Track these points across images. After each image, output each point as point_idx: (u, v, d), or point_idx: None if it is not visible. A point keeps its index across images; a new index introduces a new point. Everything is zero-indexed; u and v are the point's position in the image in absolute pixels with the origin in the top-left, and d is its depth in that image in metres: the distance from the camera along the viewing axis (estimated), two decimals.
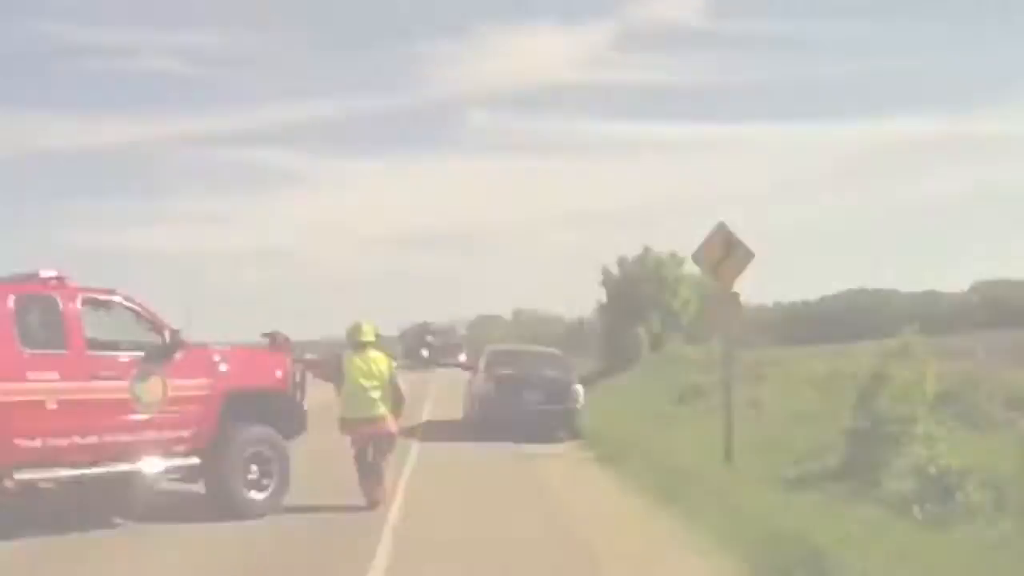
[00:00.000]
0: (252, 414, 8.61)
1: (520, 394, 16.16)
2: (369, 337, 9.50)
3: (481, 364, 18.70)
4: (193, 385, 7.93)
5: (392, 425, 9.27)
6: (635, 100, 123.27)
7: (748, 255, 12.00)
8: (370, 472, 9.02)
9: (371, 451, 9.11)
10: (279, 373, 8.96)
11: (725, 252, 11.91)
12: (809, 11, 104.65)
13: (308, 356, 13.21)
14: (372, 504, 8.82)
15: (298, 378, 9.30)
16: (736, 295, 12.30)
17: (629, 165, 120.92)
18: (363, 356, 9.27)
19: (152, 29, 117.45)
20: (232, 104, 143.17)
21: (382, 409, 9.13)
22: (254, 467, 8.31)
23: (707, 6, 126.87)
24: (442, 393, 26.46)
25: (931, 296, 68.94)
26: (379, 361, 9.36)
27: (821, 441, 12.56)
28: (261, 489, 8.34)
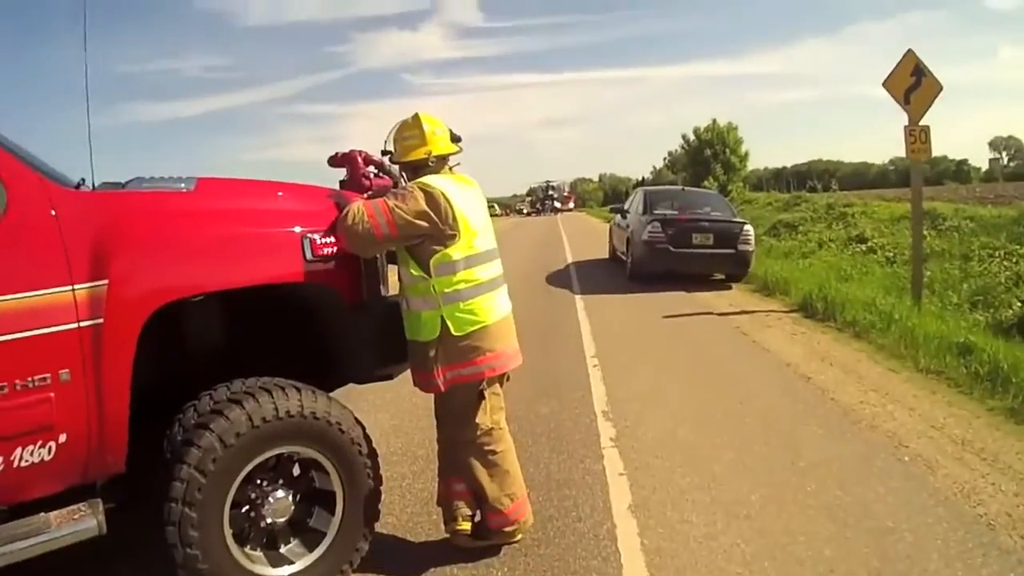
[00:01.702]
0: (248, 354, 4.04)
1: (690, 237, 14.86)
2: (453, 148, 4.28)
3: (635, 206, 17.49)
4: (41, 304, 2.90)
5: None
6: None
7: (936, 85, 11.17)
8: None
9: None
10: (322, 243, 3.69)
11: (916, 80, 11.16)
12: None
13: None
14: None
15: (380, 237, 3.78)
16: (927, 128, 11.16)
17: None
18: (463, 183, 4.18)
19: None
20: None
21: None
22: (272, 498, 3.58)
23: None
24: (570, 231, 35.47)
25: (864, 165, 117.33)
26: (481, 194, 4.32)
27: (984, 283, 12.56)
28: (287, 556, 3.65)
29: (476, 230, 4.01)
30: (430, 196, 3.82)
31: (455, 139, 4.28)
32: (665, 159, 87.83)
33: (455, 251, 3.89)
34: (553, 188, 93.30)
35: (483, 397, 4.07)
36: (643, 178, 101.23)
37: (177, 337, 3.78)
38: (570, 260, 21.25)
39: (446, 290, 3.89)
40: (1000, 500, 4.82)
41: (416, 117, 4.15)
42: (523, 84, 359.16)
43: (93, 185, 3.41)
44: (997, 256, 13.86)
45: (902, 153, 11.38)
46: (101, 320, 2.99)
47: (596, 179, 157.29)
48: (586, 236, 32.89)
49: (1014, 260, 13.41)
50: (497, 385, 4.20)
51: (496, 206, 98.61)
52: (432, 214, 3.80)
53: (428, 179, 3.96)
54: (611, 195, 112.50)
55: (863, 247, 18.37)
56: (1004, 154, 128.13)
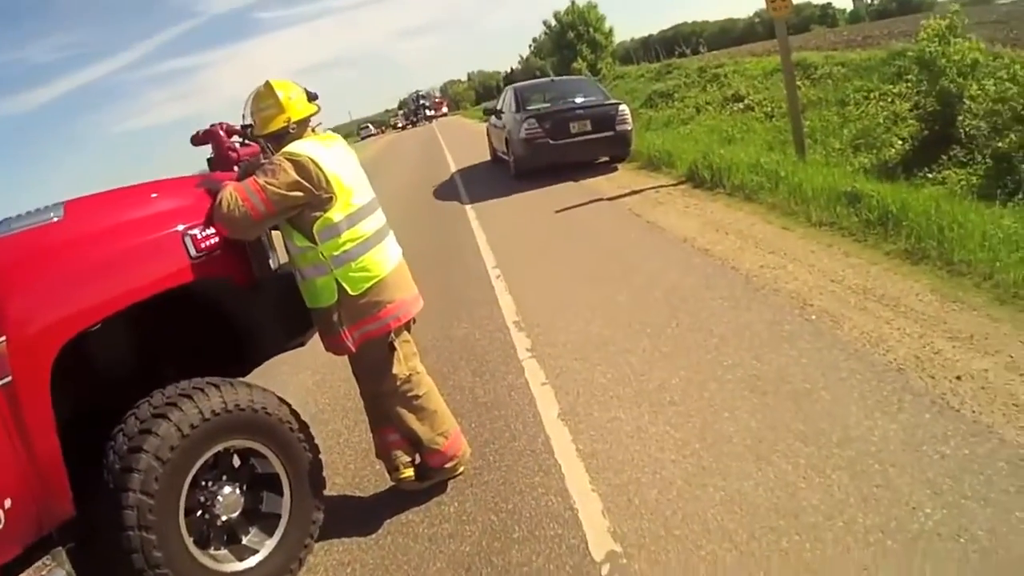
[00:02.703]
0: (163, 358, 4.03)
1: (567, 127, 14.73)
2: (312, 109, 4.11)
3: (508, 104, 17.33)
4: None
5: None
6: None
7: None
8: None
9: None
10: (203, 236, 3.59)
11: None
12: None
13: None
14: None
15: (260, 213, 3.65)
16: None
17: None
18: (327, 141, 4.08)
19: None
20: None
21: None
22: (220, 495, 3.57)
23: None
24: (448, 137, 36.97)
25: (730, 22, 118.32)
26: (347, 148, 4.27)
27: (863, 126, 12.95)
28: (249, 547, 3.65)
29: (351, 187, 3.93)
30: (299, 165, 3.72)
31: (311, 97, 4.14)
32: (531, 46, 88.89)
33: (335, 213, 3.82)
34: (423, 97, 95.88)
35: (394, 348, 4.07)
36: (512, 69, 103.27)
37: (91, 363, 3.64)
38: (454, 169, 21.09)
39: (334, 253, 3.83)
40: (907, 344, 5.00)
41: (268, 85, 4.00)
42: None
43: None
44: (873, 98, 14.12)
45: (764, 2, 11.43)
46: (9, 378, 2.89)
47: (465, 79, 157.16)
48: (465, 140, 32.71)
49: (890, 100, 13.67)
50: (405, 332, 4.20)
51: (371, 126, 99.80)
52: (304, 182, 3.71)
53: (293, 147, 3.84)
54: (483, 92, 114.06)
55: (740, 105, 18.61)
56: None
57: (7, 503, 2.89)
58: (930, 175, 9.47)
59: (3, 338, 2.89)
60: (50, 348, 3.02)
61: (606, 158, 15.54)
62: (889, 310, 5.59)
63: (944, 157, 9.92)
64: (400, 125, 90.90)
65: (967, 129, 10.19)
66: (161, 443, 3.21)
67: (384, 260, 4.02)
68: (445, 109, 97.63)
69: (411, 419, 4.16)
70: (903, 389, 4.40)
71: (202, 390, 3.43)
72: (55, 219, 3.31)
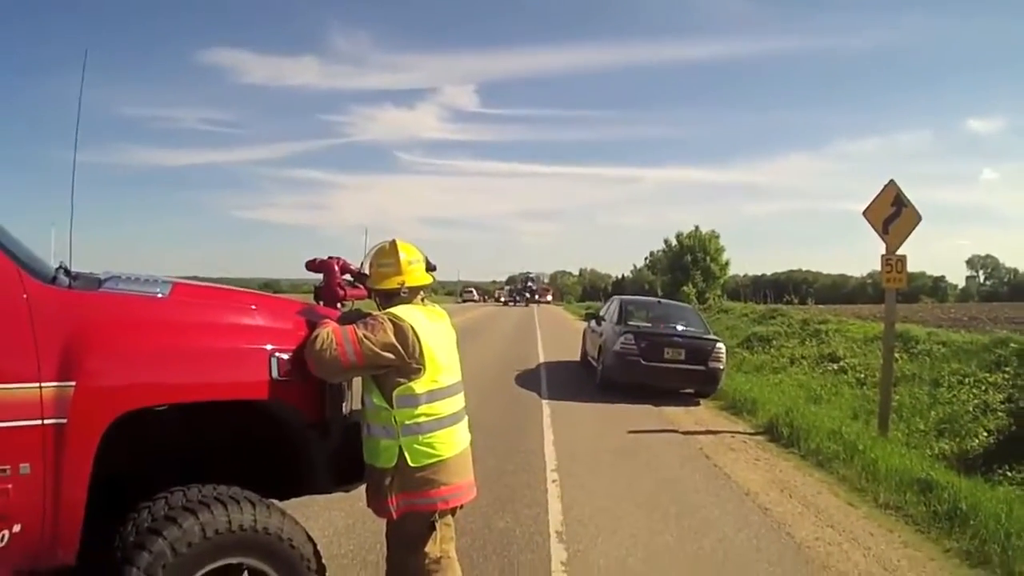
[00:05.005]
0: (206, 464, 4.04)
1: (662, 352, 14.92)
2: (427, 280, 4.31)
3: (611, 314, 17.74)
4: (7, 399, 2.95)
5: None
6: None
7: (916, 216, 11.34)
8: None
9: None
10: (289, 363, 3.69)
11: (896, 210, 11.34)
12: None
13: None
14: None
15: (348, 360, 3.75)
16: (903, 257, 11.36)
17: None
18: (433, 315, 4.23)
19: None
20: None
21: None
22: None
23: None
24: (546, 327, 37.87)
25: (842, 278, 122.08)
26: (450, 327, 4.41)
27: (951, 411, 12.59)
28: None
29: (442, 365, 4.04)
30: (399, 329, 3.86)
31: (430, 268, 4.32)
32: (646, 259, 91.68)
33: (418, 385, 3.91)
34: (532, 280, 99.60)
35: (434, 527, 4.05)
36: (622, 276, 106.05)
37: (140, 435, 3.69)
38: (542, 359, 21.33)
39: (406, 422, 3.89)
40: None
41: (393, 244, 4.19)
42: (510, 173, 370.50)
43: (69, 268, 3.45)
44: (966, 383, 13.88)
45: (879, 266, 11.50)
46: (65, 420, 3.01)
47: (576, 273, 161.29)
48: (561, 334, 33.28)
49: (983, 388, 13.41)
50: (449, 516, 4.19)
51: (474, 291, 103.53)
52: (400, 347, 3.83)
53: (399, 310, 3.99)
54: (590, 291, 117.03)
55: (835, 366, 18.44)
56: (981, 272, 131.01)
57: (16, 528, 2.99)
58: (1010, 473, 9.13)
59: (73, 383, 3.03)
60: (112, 411, 3.15)
61: (691, 390, 15.48)
62: None
63: None
64: (503, 300, 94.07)
65: None
66: (181, 536, 3.23)
67: (452, 442, 4.05)
68: (549, 297, 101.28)
69: None
70: None
71: (238, 502, 3.46)
72: (160, 295, 3.53)
